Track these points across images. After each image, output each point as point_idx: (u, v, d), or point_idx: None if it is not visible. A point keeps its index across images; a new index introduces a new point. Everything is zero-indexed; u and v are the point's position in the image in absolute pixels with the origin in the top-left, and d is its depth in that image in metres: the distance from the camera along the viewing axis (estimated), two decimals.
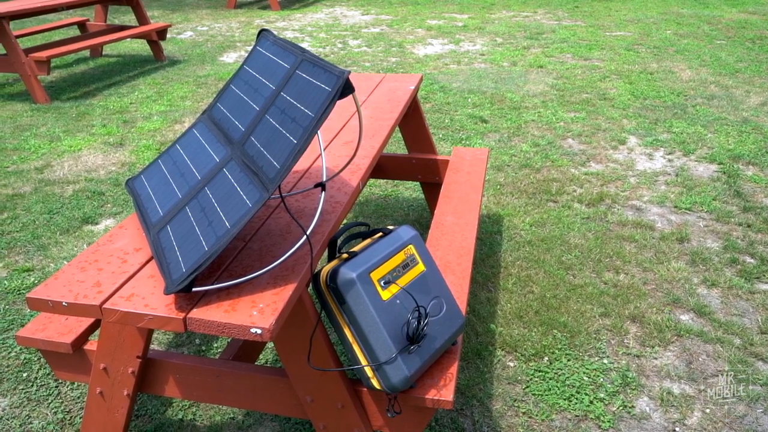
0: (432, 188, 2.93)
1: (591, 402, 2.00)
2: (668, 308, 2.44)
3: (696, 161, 3.74)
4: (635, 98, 4.86)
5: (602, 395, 2.02)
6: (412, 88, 2.59)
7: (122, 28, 6.21)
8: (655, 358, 2.18)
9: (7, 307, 2.49)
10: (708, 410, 1.96)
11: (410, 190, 3.47)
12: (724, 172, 3.58)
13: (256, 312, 1.20)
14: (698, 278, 2.62)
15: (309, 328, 1.41)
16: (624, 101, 4.79)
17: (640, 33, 7.13)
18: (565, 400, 2.00)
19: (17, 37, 5.84)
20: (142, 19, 6.21)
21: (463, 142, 4.04)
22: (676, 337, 2.28)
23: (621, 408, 1.97)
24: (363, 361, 1.40)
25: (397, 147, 3.97)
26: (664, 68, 5.68)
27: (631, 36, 6.99)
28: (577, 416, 1.94)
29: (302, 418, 1.61)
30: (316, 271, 1.42)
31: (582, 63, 5.90)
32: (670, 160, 3.76)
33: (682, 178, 3.53)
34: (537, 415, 1.95)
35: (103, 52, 6.65)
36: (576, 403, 1.99)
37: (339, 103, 2.46)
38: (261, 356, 2.21)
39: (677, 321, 2.36)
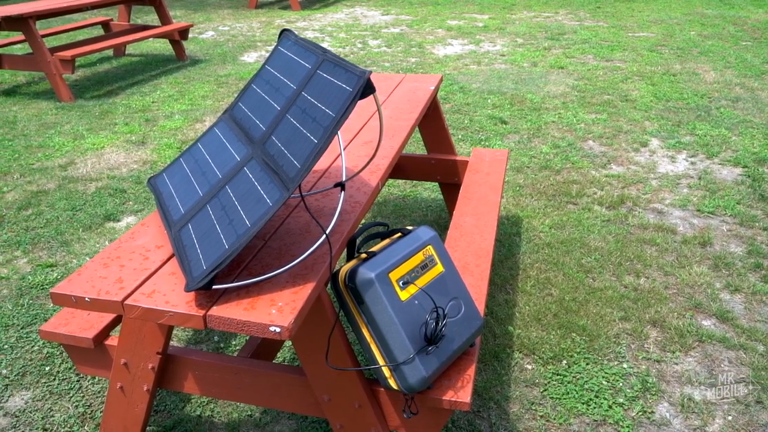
0: (451, 189, 2.92)
1: (610, 407, 1.97)
2: (690, 313, 2.40)
3: (720, 164, 3.69)
4: (658, 100, 4.80)
5: (621, 400, 2.00)
6: (432, 88, 2.59)
7: (145, 27, 6.29)
8: (676, 364, 2.15)
9: (30, 301, 2.53)
10: (730, 417, 1.93)
11: (429, 190, 3.46)
12: (749, 176, 3.52)
13: (275, 310, 1.21)
14: (721, 283, 2.58)
15: (327, 328, 1.41)
16: (646, 103, 4.74)
17: (663, 34, 7.04)
18: (583, 404, 1.99)
19: (43, 36, 5.94)
20: (165, 19, 6.28)
21: (482, 142, 4.03)
22: (697, 343, 2.25)
23: (640, 413, 1.95)
24: (380, 361, 1.40)
25: (417, 147, 3.96)
26: (688, 70, 5.60)
27: (654, 37, 6.91)
28: (595, 421, 1.93)
29: (319, 416, 1.61)
30: (334, 270, 1.43)
31: (604, 64, 5.84)
32: (693, 163, 3.71)
33: (705, 181, 3.47)
34: (555, 419, 1.93)
35: (126, 52, 6.73)
36: (595, 408, 1.97)
37: (358, 103, 2.47)
38: (279, 354, 2.22)
39: (699, 326, 2.33)
